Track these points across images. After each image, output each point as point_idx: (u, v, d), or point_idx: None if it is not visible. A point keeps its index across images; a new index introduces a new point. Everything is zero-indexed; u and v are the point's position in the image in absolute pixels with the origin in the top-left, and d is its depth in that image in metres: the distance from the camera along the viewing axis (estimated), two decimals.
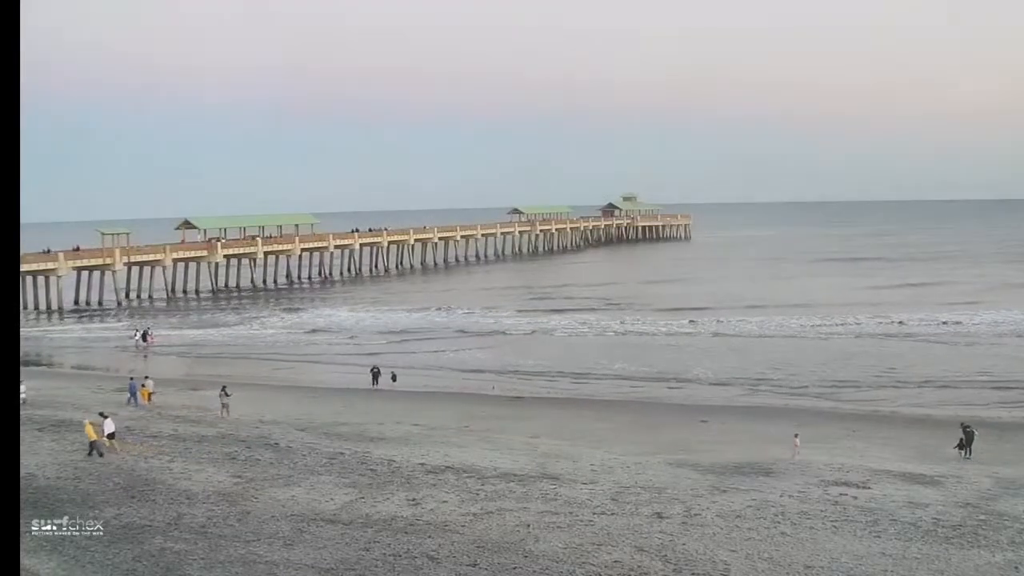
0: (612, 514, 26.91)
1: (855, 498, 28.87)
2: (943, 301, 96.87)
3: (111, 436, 35.34)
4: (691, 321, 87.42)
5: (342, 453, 35.27)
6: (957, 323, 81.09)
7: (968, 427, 38.15)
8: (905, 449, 38.38)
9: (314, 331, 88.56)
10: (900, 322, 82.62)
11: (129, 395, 48.84)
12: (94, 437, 34.43)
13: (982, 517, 26.92)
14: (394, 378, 58.80)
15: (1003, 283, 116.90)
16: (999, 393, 54.29)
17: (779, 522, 26.14)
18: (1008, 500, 29.05)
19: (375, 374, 58.52)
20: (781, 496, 29.03)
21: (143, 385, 49.78)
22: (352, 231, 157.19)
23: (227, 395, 46.13)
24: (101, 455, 33.85)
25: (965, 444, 37.49)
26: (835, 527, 25.74)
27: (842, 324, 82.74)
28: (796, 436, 37.66)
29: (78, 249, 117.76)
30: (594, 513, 27.01)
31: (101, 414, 37.25)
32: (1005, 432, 42.41)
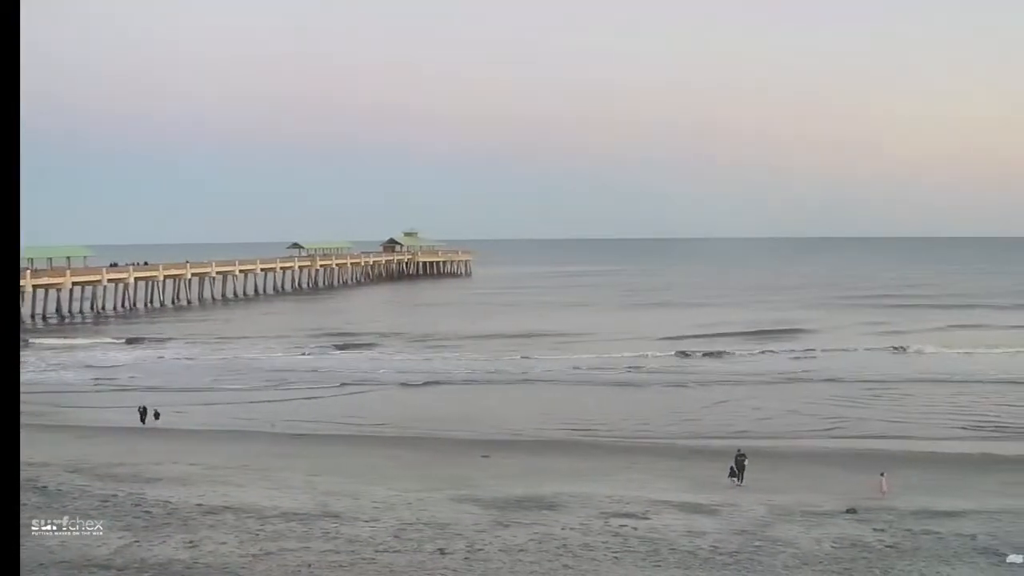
0: (395, 551, 26.66)
1: (635, 529, 29.41)
2: (722, 343, 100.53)
3: None
4: (472, 359, 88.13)
5: (116, 495, 33.89)
6: (731, 360, 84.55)
7: (741, 454, 39.47)
8: (683, 480, 39.40)
9: (87, 368, 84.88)
10: (682, 353, 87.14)
11: None
12: None
13: (757, 543, 27.78)
14: (157, 415, 56.74)
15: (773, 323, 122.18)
16: (771, 423, 56.64)
17: (561, 555, 26.37)
18: (782, 526, 30.11)
19: (143, 413, 56.67)
20: (563, 529, 29.31)
21: None
22: (110, 265, 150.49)
23: None
24: None
25: (737, 471, 38.79)
26: (616, 558, 26.12)
27: (620, 361, 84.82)
28: (883, 475, 36.46)
29: None
30: (376, 551, 26.69)
31: None
32: (777, 461, 44.11)
